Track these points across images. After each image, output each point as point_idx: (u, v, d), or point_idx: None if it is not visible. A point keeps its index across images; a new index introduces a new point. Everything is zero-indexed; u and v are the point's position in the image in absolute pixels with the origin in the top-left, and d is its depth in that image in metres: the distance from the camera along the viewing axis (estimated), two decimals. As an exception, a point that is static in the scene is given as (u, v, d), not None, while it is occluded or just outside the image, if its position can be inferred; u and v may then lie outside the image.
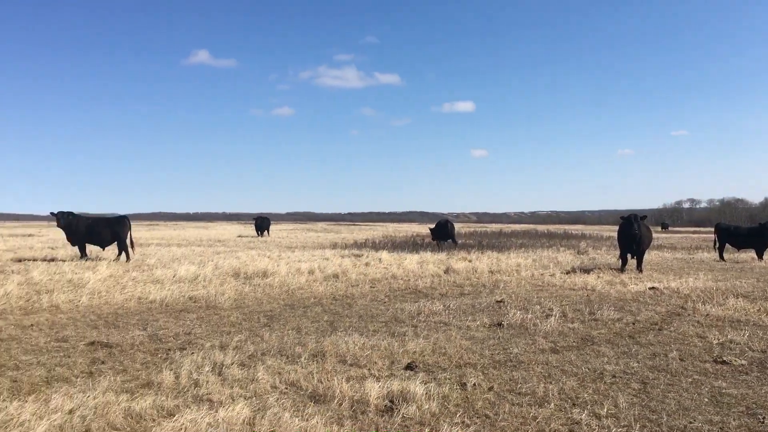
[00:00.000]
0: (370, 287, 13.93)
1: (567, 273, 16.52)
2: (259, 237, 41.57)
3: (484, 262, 19.29)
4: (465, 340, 8.28)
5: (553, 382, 6.28)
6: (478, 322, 9.54)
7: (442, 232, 28.48)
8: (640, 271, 17.03)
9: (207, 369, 6.59)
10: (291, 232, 53.74)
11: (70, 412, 5.18)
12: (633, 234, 16.85)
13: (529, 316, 9.92)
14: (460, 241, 31.06)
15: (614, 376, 6.55)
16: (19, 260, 19.31)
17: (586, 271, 17.03)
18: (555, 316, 9.89)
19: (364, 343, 7.87)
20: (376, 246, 29.03)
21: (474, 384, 6.17)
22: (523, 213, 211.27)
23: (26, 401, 5.43)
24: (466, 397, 5.81)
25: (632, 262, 17.87)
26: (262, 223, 43.77)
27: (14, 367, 6.79)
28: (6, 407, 5.22)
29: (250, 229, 51.09)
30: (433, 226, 30.61)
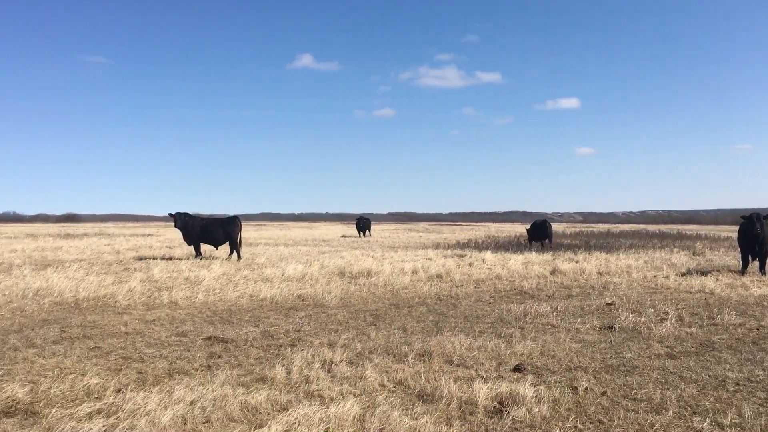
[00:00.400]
0: (475, 288, 13.84)
1: (682, 275, 15.75)
2: (361, 237, 42.18)
3: (591, 263, 18.71)
4: (574, 342, 8.08)
5: (670, 389, 6.01)
6: (587, 325, 9.28)
7: (540, 232, 27.86)
8: (764, 273, 15.97)
9: (317, 366, 6.75)
10: (393, 232, 54.22)
11: (192, 403, 5.45)
12: (755, 234, 15.83)
13: (643, 319, 9.53)
14: (566, 242, 30.33)
15: (737, 384, 6.20)
16: (140, 258, 20.54)
17: (703, 273, 16.17)
18: (671, 320, 9.46)
19: (470, 344, 7.83)
20: (478, 246, 28.80)
21: (586, 388, 6.00)
22: (631, 212, 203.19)
23: (151, 392, 5.76)
24: (578, 401, 5.66)
25: (754, 264, 16.80)
26: (363, 224, 44.40)
27: (139, 360, 7.22)
28: (134, 397, 5.56)
29: (353, 229, 51.98)
30: (528, 226, 30.01)
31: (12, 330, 8.95)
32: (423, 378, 6.29)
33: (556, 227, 29.42)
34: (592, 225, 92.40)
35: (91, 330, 8.96)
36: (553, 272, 16.39)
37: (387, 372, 6.56)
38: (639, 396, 5.80)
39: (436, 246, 29.95)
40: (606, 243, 31.27)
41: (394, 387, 6.10)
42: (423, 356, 7.28)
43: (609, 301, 11.49)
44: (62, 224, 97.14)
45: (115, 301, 11.47)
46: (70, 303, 11.37)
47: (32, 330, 8.92)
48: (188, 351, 7.63)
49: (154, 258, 20.66)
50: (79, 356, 7.30)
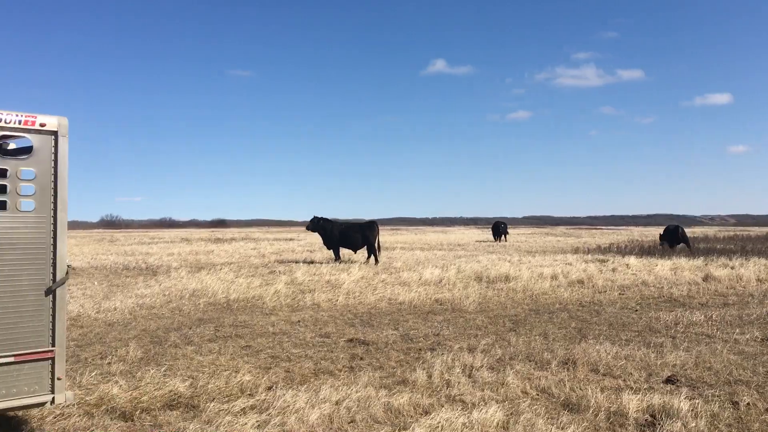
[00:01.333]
0: (619, 294, 13.26)
1: None
2: (497, 241, 41.60)
3: (749, 269, 17.34)
4: (733, 354, 7.52)
5: None
6: (747, 336, 8.62)
7: (672, 237, 28.37)
8: None
9: (457, 370, 6.73)
10: (529, 237, 53.12)
11: (337, 403, 5.61)
12: None
13: (812, 331, 8.72)
14: (718, 246, 28.71)
15: None
16: (284, 262, 21.48)
17: None
18: None
19: (616, 353, 7.51)
20: (621, 251, 27.55)
21: (748, 403, 5.57)
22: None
23: (299, 390, 5.98)
24: (739, 417, 5.26)
25: None
26: (499, 228, 43.69)
27: (287, 359, 7.54)
28: (283, 395, 5.80)
29: (488, 234, 51.43)
30: (662, 231, 30.08)
31: (172, 328, 9.65)
32: (567, 386, 6.10)
33: (706, 231, 28.31)
34: (748, 228, 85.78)
35: (242, 329, 9.47)
36: (705, 279, 15.38)
37: (529, 379, 6.43)
38: (811, 415, 5.31)
39: (576, 251, 28.99)
40: (765, 248, 28.86)
41: (537, 394, 5.96)
42: (566, 364, 7.06)
43: (771, 311, 10.62)
44: (212, 229, 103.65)
45: (263, 303, 12.05)
46: (222, 304, 12.09)
47: (190, 328, 9.57)
48: (332, 352, 7.88)
49: (296, 261, 21.52)
50: (232, 354, 7.74)
